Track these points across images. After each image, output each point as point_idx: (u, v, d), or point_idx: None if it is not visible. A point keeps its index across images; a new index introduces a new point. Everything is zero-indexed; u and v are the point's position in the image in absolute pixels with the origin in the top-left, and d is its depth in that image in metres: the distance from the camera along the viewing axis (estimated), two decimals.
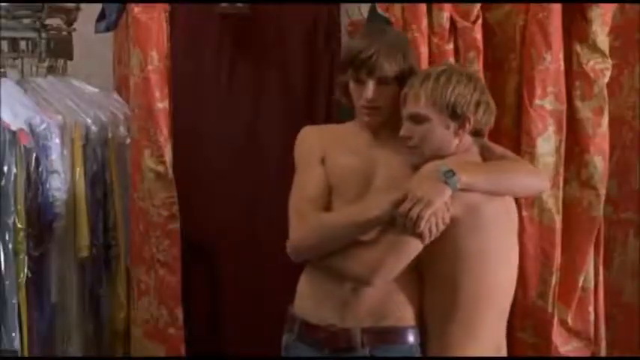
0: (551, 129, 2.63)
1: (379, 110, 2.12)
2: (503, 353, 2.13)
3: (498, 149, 2.23)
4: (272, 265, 3.01)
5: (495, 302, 2.07)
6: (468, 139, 2.08)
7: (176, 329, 2.89)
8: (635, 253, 2.95)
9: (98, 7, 3.03)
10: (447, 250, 1.99)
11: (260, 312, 3.27)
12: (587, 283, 2.72)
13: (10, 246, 2.57)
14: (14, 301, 2.59)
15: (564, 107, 2.64)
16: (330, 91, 2.83)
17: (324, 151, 2.19)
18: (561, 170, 2.67)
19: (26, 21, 2.97)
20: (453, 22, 2.63)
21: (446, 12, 2.60)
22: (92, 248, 2.87)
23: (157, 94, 2.87)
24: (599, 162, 2.66)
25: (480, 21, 2.64)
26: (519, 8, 2.65)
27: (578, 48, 2.64)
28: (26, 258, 2.63)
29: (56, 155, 2.74)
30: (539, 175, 2.35)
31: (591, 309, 2.74)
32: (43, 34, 2.99)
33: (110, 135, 3.00)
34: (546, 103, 2.62)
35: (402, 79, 2.09)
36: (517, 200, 2.54)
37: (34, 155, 2.66)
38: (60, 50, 3.10)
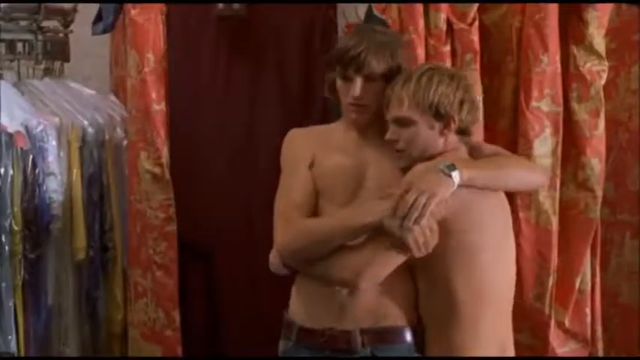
0: (548, 131, 2.63)
1: (366, 108, 2.10)
2: (510, 353, 2.10)
3: (488, 148, 2.22)
4: (269, 267, 3.00)
5: (494, 300, 2.05)
6: (453, 138, 2.06)
7: (173, 331, 2.89)
8: (632, 254, 2.95)
9: (95, 9, 3.03)
10: (443, 248, 1.97)
11: (257, 314, 3.27)
12: (583, 284, 2.73)
13: (7, 248, 2.58)
14: (11, 303, 2.60)
15: (561, 109, 2.65)
16: None
17: (312, 155, 2.18)
18: (558, 172, 2.67)
19: (23, 23, 2.98)
20: (449, 23, 2.63)
21: (442, 14, 2.60)
22: (89, 250, 2.88)
23: (154, 95, 2.87)
24: (596, 164, 2.67)
25: (476, 23, 2.64)
26: (516, 10, 2.65)
27: (574, 50, 2.64)
28: (23, 260, 2.63)
29: (53, 157, 2.74)
30: (535, 169, 2.36)
31: (588, 310, 2.74)
32: (40, 36, 3.00)
33: (107, 137, 3.01)
34: (543, 105, 2.62)
35: (390, 77, 2.08)
36: (513, 202, 2.55)
37: (31, 157, 2.67)
38: (57, 52, 3.10)
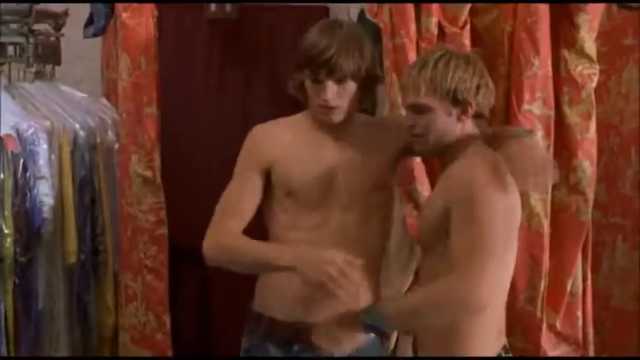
0: (540, 134, 2.63)
1: (337, 109, 2.09)
2: (504, 336, 2.10)
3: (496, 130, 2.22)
4: None
5: (505, 285, 2.05)
6: (469, 123, 2.05)
7: (163, 335, 2.89)
8: (624, 257, 2.96)
9: (86, 12, 3.03)
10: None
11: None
12: (575, 287, 2.73)
13: None
14: (1, 307, 2.58)
15: (552, 112, 2.65)
16: None
17: (274, 156, 2.15)
18: None
19: (14, 26, 2.96)
20: (441, 27, 2.63)
21: (434, 17, 2.60)
22: (80, 254, 2.87)
23: (145, 99, 2.87)
24: (587, 167, 2.67)
25: (468, 26, 2.64)
26: (507, 14, 2.65)
27: (566, 54, 2.64)
28: (13, 264, 2.61)
29: (44, 161, 2.73)
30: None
31: (580, 313, 2.74)
32: (31, 39, 2.98)
33: (98, 140, 3.00)
34: (534, 108, 2.63)
35: (359, 76, 2.07)
36: None
37: (22, 161, 2.66)
38: (48, 55, 3.09)
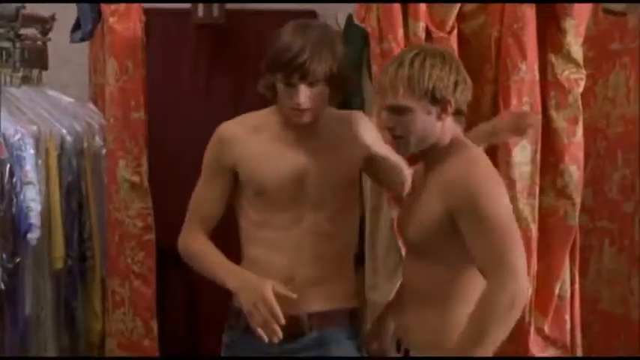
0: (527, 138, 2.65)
1: (309, 111, 2.09)
2: None
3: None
4: None
5: None
6: (449, 120, 2.04)
7: (150, 341, 2.88)
8: (611, 261, 2.97)
9: (73, 16, 3.02)
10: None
11: None
12: (563, 291, 2.73)
13: None
14: None
15: (539, 117, 2.66)
16: None
17: (241, 156, 2.16)
18: (537, 179, 2.68)
19: (0, 31, 2.95)
20: (428, 32, 2.64)
21: (422, 22, 2.61)
22: (67, 260, 2.85)
23: (133, 103, 2.86)
24: (574, 171, 2.68)
25: (455, 31, 2.66)
26: (494, 19, 2.66)
27: (552, 58, 2.66)
28: (0, 270, 2.60)
29: (30, 166, 2.71)
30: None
31: (568, 317, 2.75)
32: (18, 44, 2.97)
33: (85, 145, 2.99)
34: None
35: (331, 78, 2.06)
36: None
37: (8, 166, 2.64)
38: (35, 60, 3.08)
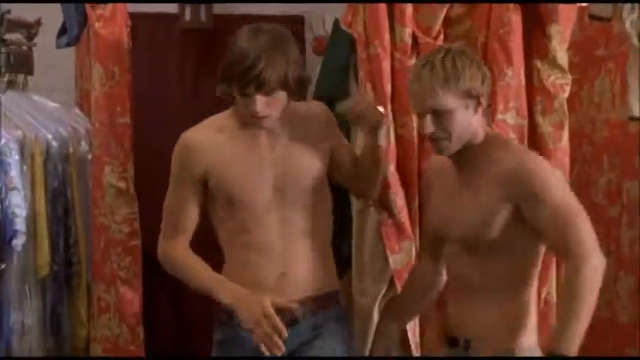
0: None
1: (268, 118, 2.10)
2: None
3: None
4: None
5: None
6: (479, 113, 2.09)
7: (137, 347, 2.86)
8: None
9: (59, 21, 3.01)
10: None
11: None
12: (550, 296, 2.74)
13: None
14: None
15: (526, 122, 2.67)
16: None
17: (208, 165, 2.15)
18: None
19: None
20: (415, 38, 2.64)
21: (408, 28, 2.62)
22: (53, 266, 2.84)
23: (119, 109, 2.86)
24: (560, 176, 2.69)
25: (441, 37, 2.66)
26: (480, 24, 2.67)
27: (538, 64, 2.66)
28: None
29: (16, 172, 2.71)
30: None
31: (554, 322, 2.75)
32: (3, 49, 2.96)
33: (71, 150, 2.98)
34: (508, 118, 2.64)
35: (287, 83, 2.07)
36: None
37: None
38: (20, 65, 3.07)
